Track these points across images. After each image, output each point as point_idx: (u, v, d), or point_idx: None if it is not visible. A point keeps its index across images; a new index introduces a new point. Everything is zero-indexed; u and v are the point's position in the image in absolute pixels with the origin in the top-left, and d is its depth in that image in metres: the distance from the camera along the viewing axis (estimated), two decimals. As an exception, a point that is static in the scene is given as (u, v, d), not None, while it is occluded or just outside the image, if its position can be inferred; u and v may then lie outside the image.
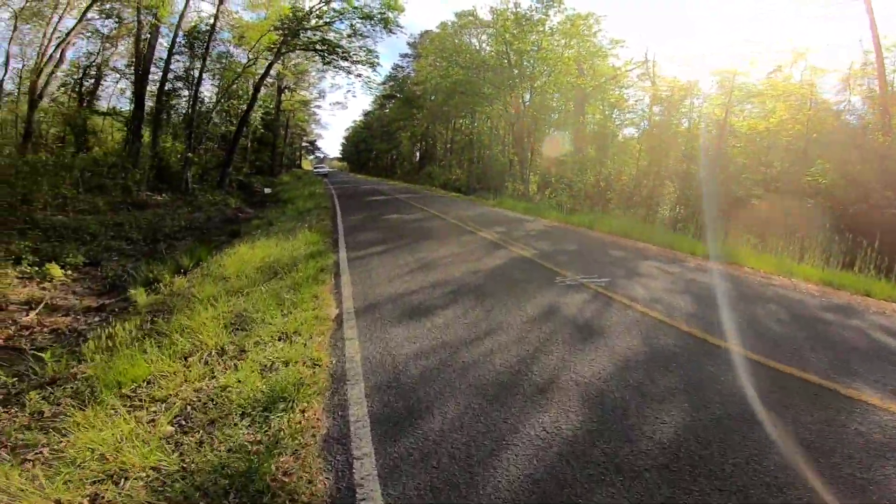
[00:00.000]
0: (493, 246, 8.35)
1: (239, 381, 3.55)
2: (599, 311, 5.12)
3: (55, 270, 7.67)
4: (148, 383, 3.72)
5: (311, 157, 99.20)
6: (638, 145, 21.25)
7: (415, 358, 3.89)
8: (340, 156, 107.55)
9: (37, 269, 7.76)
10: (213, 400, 3.38)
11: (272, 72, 41.55)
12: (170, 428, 3.13)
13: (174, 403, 3.34)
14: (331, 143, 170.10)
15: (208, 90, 29.44)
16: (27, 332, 6.12)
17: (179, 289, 6.55)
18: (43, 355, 4.44)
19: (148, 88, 22.44)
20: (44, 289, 7.46)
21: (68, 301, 7.42)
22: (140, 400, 3.50)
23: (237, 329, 4.63)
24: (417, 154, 56.43)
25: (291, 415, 3.06)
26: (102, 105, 24.96)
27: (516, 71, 25.31)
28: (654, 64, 24.57)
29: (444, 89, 28.03)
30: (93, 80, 23.70)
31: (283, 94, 47.55)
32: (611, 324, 4.76)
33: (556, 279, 6.19)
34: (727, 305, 5.62)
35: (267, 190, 31.22)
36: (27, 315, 6.52)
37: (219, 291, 5.84)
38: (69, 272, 8.13)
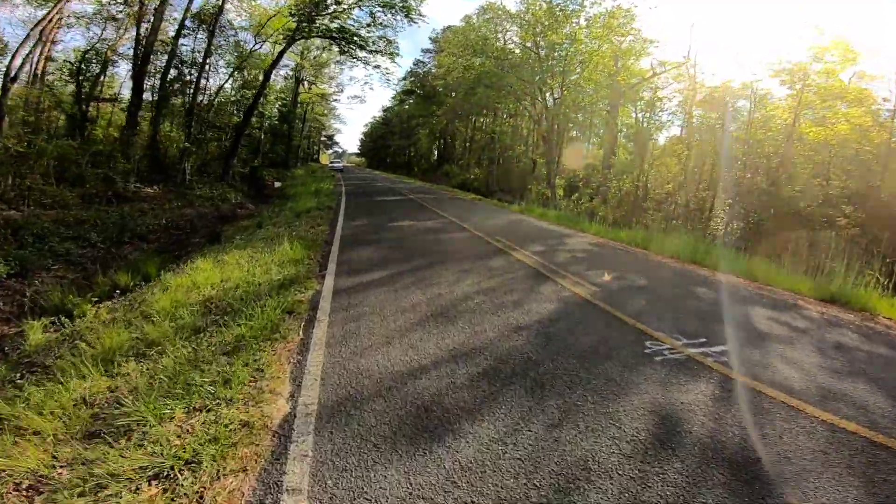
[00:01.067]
0: (534, 277, 6.08)
1: None
2: (752, 422, 2.85)
3: (-51, 285, 5.68)
4: None
5: (331, 151, 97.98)
6: (685, 150, 18.67)
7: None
8: (359, 151, 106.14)
9: (-71, 282, 5.79)
10: None
11: (289, 62, 39.95)
12: None
13: None
14: (351, 138, 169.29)
15: (223, 79, 27.81)
16: None
17: (87, 327, 4.49)
18: None
19: (154, 74, 20.88)
20: (-72, 310, 5.49)
21: (-43, 329, 5.44)
22: None
23: (91, 436, 2.51)
24: (436, 152, 54.40)
25: None
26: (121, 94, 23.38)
27: (546, 65, 22.92)
28: (696, 64, 22.07)
29: (468, 82, 25.77)
30: (99, 67, 22.03)
31: (300, 86, 45.88)
32: (791, 454, 2.51)
33: (646, 345, 3.91)
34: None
35: (277, 184, 29.52)
36: None
37: (124, 342, 3.74)
38: (-24, 286, 6.15)
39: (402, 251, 7.28)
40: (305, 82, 47.66)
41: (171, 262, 7.01)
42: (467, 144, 45.51)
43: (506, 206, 17.91)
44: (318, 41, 38.05)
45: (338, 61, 41.71)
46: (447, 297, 4.87)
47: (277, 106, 36.50)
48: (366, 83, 57.23)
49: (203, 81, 19.78)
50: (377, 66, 27.38)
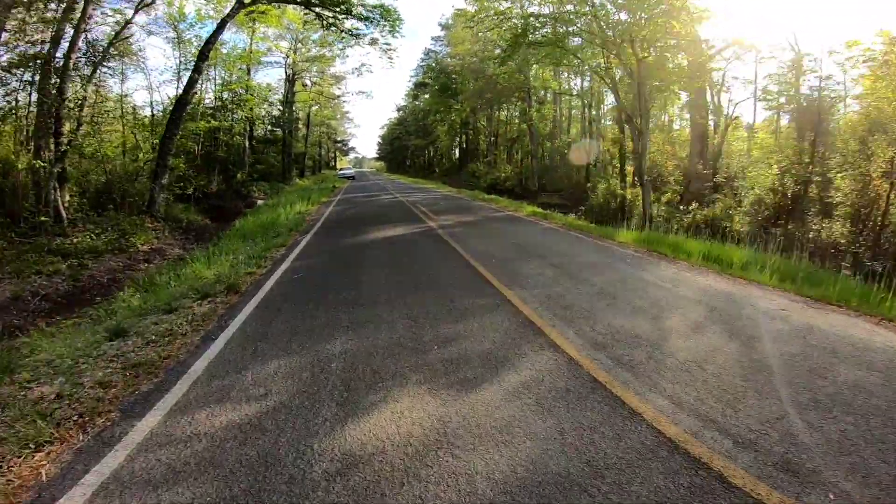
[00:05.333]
0: None
1: None
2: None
3: None
4: None
5: (349, 157, 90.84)
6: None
7: None
8: (377, 155, 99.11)
9: None
10: None
11: (279, 59, 32.30)
12: None
13: None
14: (370, 143, 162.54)
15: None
16: None
17: None
18: None
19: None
20: None
21: None
22: None
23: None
24: (457, 150, 46.57)
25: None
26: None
27: (626, 15, 14.58)
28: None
29: (501, 41, 17.69)
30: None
31: (301, 86, 38.53)
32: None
33: None
34: None
35: (260, 202, 22.48)
36: None
37: None
38: None
39: None
40: (308, 81, 40.40)
41: None
42: (493, 139, 37.46)
43: (604, 231, 9.78)
44: (307, 30, 30.51)
45: (340, 55, 34.35)
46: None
47: (264, 107, 29.23)
48: (362, 65, 46.18)
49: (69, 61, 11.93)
50: (373, 42, 19.88)
